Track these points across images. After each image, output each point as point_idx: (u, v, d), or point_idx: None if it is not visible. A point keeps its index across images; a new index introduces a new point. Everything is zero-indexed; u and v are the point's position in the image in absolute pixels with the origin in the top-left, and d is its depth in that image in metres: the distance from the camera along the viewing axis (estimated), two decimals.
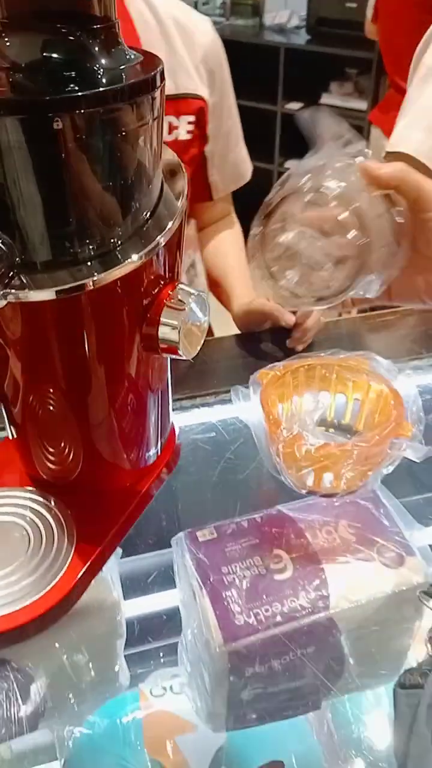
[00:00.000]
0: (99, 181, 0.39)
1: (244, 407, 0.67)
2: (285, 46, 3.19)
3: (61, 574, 0.50)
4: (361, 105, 3.14)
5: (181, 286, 0.46)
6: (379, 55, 2.76)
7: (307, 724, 0.58)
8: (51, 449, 0.54)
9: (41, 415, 0.51)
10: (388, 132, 1.44)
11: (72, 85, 0.37)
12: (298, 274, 0.56)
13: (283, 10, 3.52)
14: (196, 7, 3.19)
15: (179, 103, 0.99)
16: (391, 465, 0.57)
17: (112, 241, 0.42)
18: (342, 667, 0.55)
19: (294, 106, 3.26)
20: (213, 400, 0.72)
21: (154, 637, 0.60)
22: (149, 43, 0.93)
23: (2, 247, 0.38)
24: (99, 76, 0.38)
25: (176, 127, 0.99)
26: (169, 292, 0.46)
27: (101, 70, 0.39)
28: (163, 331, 0.45)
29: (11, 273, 0.39)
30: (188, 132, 1.00)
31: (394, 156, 0.89)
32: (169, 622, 0.60)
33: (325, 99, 3.30)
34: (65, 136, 0.36)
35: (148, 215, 0.44)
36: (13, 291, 0.39)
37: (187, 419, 0.75)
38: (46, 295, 0.40)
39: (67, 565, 0.50)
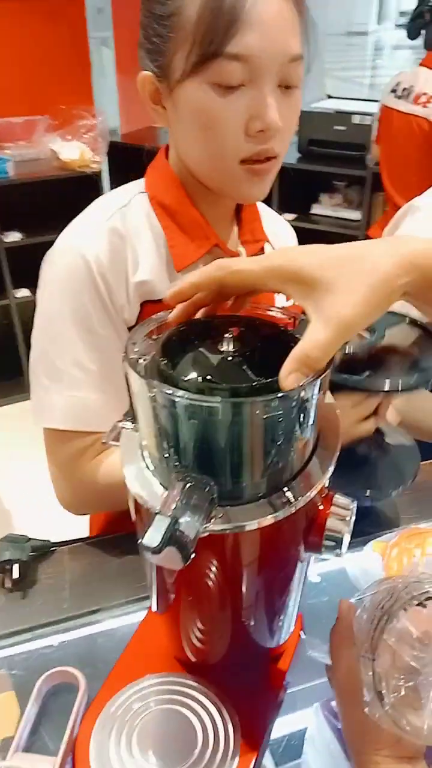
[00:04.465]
0: (279, 441, 0.47)
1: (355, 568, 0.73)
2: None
3: (236, 764, 0.53)
4: (354, 215, 3.35)
5: (337, 496, 0.53)
6: (373, 173, 2.98)
7: None
8: (208, 636, 0.58)
9: (204, 609, 0.56)
10: None
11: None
12: None
13: None
14: None
15: None
16: None
17: (285, 481, 0.49)
18: None
19: (288, 217, 3.46)
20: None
21: None
22: None
23: (212, 489, 0.45)
24: None
25: None
26: (328, 505, 0.52)
27: None
28: (327, 542, 0.52)
29: (214, 509, 0.46)
30: None
31: None
32: None
33: (316, 209, 3.52)
34: (262, 414, 0.44)
35: (310, 455, 0.51)
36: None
37: None
38: (229, 527, 0.47)
39: (238, 755, 0.54)
